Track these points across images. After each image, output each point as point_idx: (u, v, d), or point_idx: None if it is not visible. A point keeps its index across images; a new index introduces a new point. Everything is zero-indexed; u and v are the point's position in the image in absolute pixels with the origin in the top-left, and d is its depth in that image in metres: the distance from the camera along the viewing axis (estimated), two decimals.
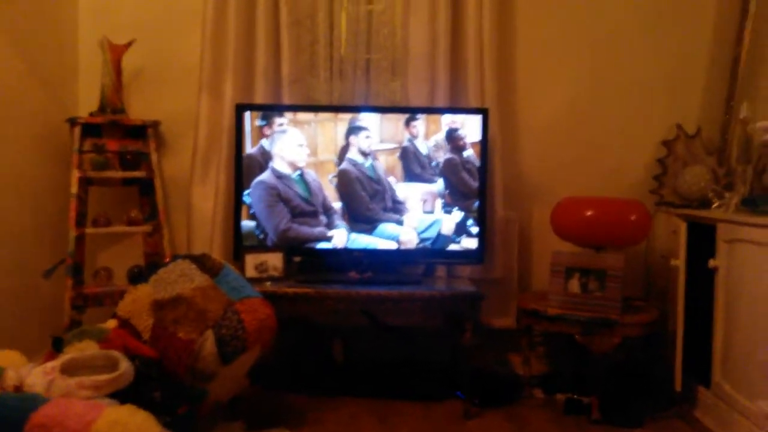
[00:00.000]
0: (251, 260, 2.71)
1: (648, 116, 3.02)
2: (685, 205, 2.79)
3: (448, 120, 2.80)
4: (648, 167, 3.00)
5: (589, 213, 2.63)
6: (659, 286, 2.82)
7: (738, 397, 2.19)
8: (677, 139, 2.91)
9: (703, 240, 2.44)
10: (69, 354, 1.82)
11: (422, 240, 2.80)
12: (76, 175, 2.79)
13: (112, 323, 2.09)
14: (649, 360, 2.74)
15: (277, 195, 2.80)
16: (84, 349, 1.86)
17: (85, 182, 2.88)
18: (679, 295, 2.46)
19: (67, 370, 1.73)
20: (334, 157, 2.82)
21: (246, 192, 2.80)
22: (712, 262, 2.36)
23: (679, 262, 2.47)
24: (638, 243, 2.74)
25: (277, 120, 2.80)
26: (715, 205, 2.57)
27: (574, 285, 2.55)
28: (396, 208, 2.82)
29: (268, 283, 2.63)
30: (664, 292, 2.71)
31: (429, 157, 2.81)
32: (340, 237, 2.81)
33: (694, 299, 2.47)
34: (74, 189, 2.78)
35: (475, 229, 2.79)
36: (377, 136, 2.81)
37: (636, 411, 2.51)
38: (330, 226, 2.81)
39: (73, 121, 2.86)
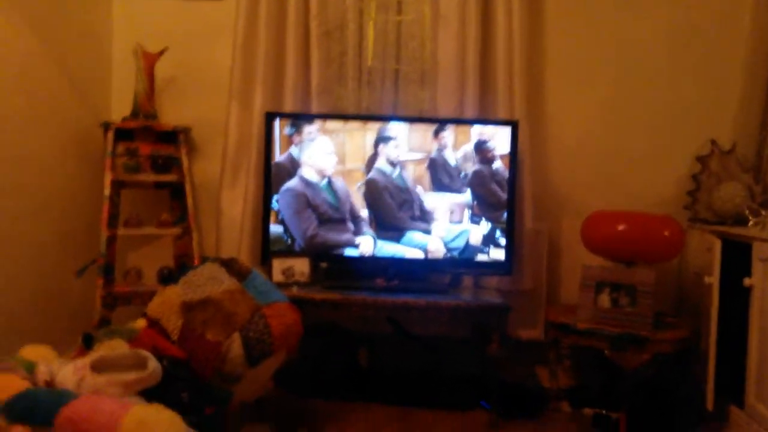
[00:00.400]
0: (278, 265, 2.72)
1: (681, 131, 2.98)
2: (720, 222, 2.74)
3: (476, 131, 2.79)
4: (681, 183, 2.96)
5: (620, 227, 2.59)
6: (692, 302, 2.76)
7: None
8: (712, 155, 2.86)
9: (738, 257, 2.39)
10: (99, 352, 1.84)
11: (450, 250, 2.79)
12: (108, 177, 2.83)
13: (141, 323, 2.10)
14: (679, 377, 2.68)
15: (306, 201, 2.81)
16: (114, 347, 1.87)
17: (118, 185, 2.93)
18: (713, 312, 2.41)
19: (97, 367, 1.74)
20: (362, 166, 2.82)
21: (275, 198, 2.82)
22: (747, 281, 2.30)
23: (713, 280, 2.42)
24: (671, 259, 2.70)
25: (306, 128, 2.82)
26: (750, 222, 2.51)
27: (605, 300, 2.51)
28: (423, 217, 2.81)
29: (295, 288, 2.64)
30: (697, 308, 2.66)
31: (457, 168, 2.80)
32: (367, 245, 2.81)
33: (728, 317, 2.41)
34: (107, 191, 2.82)
35: (503, 240, 2.77)
36: (405, 145, 2.81)
37: (665, 429, 2.46)
38: (357, 233, 2.81)
39: (106, 126, 2.90)
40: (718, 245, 2.45)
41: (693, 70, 2.98)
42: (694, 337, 2.54)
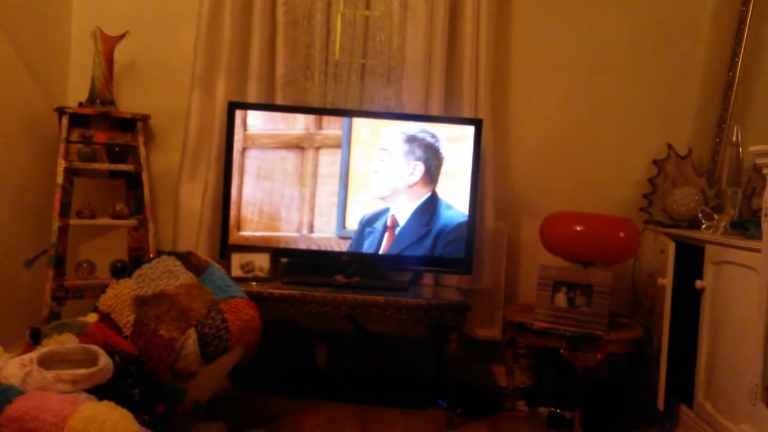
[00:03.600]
0: (237, 260, 2.68)
1: (639, 135, 3.04)
2: (674, 225, 2.80)
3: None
4: (638, 185, 3.01)
5: (578, 228, 2.63)
6: (645, 303, 2.82)
7: (720, 418, 2.19)
8: (668, 159, 2.93)
9: (690, 260, 2.45)
10: (47, 346, 1.78)
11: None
12: (62, 165, 2.74)
13: (92, 317, 2.04)
14: (632, 377, 2.74)
15: None
16: (63, 342, 1.81)
17: (71, 173, 2.84)
18: (665, 313, 2.47)
19: (45, 362, 1.69)
20: None
21: None
22: (699, 283, 2.37)
23: (667, 281, 2.47)
24: (626, 260, 2.75)
25: None
26: (703, 226, 2.58)
27: (561, 299, 2.54)
28: None
29: (254, 284, 2.60)
30: (650, 310, 2.72)
31: None
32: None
33: (680, 318, 2.47)
34: (59, 179, 2.73)
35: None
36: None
37: (618, 427, 2.51)
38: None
39: (61, 111, 2.81)
40: (672, 247, 2.50)
41: (653, 75, 3.03)
42: (647, 338, 2.60)
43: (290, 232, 2.78)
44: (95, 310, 2.09)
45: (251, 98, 2.94)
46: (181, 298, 2.08)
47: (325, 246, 2.78)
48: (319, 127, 2.80)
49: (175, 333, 2.00)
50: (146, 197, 2.90)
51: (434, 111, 2.92)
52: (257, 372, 2.79)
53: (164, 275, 2.15)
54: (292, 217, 2.79)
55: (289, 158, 2.80)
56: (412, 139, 2.77)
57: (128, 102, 3.07)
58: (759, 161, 2.01)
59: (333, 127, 2.80)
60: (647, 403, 2.57)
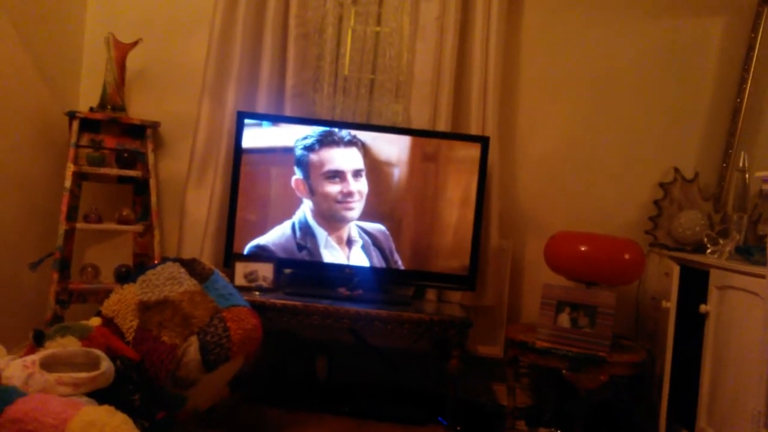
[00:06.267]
0: (241, 269, 2.68)
1: (646, 157, 3.04)
2: (679, 248, 2.80)
3: None
4: (643, 207, 3.01)
5: (583, 248, 2.62)
6: (648, 326, 2.81)
7: None
8: (674, 182, 2.93)
9: (694, 284, 2.44)
10: (50, 349, 1.78)
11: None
12: (71, 169, 2.76)
13: (95, 321, 2.05)
14: (634, 400, 2.72)
15: None
16: (66, 345, 1.82)
17: (80, 177, 2.86)
18: (669, 337, 2.45)
19: (47, 365, 1.69)
20: None
21: None
22: (703, 308, 2.36)
23: (671, 305, 2.47)
24: (631, 282, 2.74)
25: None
26: (708, 250, 2.57)
27: (564, 319, 2.53)
28: None
29: (257, 293, 2.60)
30: (653, 333, 2.71)
31: None
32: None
33: (683, 342, 2.46)
34: (68, 183, 2.75)
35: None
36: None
37: None
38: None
39: (72, 115, 2.83)
40: (676, 271, 2.50)
41: (661, 98, 3.04)
42: (650, 361, 2.58)
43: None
44: (98, 314, 2.09)
45: (260, 108, 2.96)
46: (184, 304, 2.08)
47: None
48: None
49: (177, 340, 2.00)
50: (153, 203, 2.91)
51: (441, 127, 2.93)
52: (257, 382, 2.78)
53: (168, 282, 2.16)
54: None
55: None
56: None
57: (138, 108, 3.10)
58: (765, 187, 2.01)
59: None
60: (648, 427, 2.54)
